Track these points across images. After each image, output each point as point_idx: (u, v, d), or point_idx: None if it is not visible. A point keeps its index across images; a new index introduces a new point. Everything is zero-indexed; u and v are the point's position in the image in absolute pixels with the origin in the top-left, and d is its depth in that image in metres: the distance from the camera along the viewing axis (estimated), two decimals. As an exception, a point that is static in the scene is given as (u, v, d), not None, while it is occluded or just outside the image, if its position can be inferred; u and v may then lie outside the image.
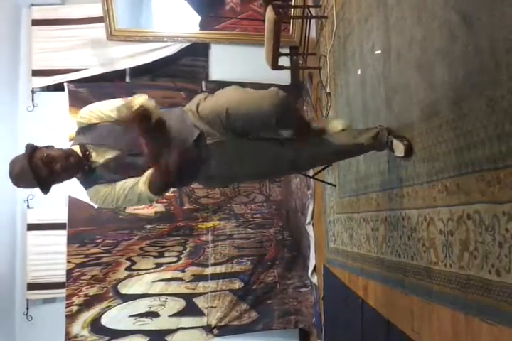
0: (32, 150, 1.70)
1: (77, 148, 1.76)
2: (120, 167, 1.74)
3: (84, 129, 1.79)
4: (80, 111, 1.81)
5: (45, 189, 1.72)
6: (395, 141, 1.85)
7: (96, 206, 1.81)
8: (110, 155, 1.74)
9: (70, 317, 3.90)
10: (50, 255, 4.11)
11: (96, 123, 1.76)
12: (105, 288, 3.99)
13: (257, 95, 1.78)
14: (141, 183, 1.70)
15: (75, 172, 1.75)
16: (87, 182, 1.78)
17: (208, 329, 3.97)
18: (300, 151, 1.87)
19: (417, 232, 1.71)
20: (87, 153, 1.74)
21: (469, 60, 1.35)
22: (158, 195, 1.74)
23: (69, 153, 1.73)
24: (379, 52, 2.15)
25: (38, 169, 1.67)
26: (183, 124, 1.79)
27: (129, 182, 1.72)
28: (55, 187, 1.76)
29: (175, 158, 1.60)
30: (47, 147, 1.74)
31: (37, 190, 1.72)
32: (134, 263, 4.07)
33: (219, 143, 1.78)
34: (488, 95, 1.24)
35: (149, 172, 1.69)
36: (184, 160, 1.64)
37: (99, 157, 1.75)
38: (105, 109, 1.76)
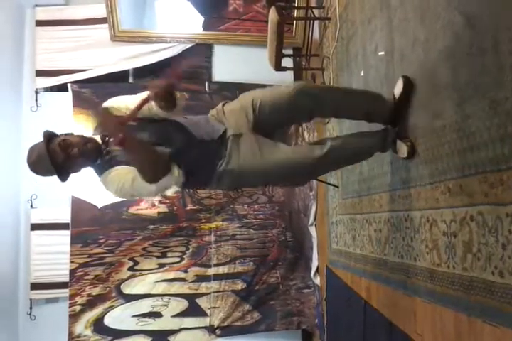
0: (50, 136, 1.71)
1: (97, 137, 1.77)
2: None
3: None
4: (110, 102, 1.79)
5: (63, 175, 1.72)
6: (399, 142, 1.84)
7: (113, 193, 1.78)
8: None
9: (73, 317, 3.91)
10: (53, 255, 4.12)
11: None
12: (108, 288, 4.00)
13: (282, 87, 1.86)
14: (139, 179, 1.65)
15: (93, 158, 1.74)
16: (103, 169, 1.76)
17: (211, 329, 3.98)
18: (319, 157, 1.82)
19: (419, 233, 1.71)
20: (107, 139, 1.74)
21: (472, 61, 1.35)
22: (154, 180, 1.66)
23: (87, 139, 1.73)
24: (382, 53, 2.15)
25: (55, 154, 1.67)
26: (208, 124, 1.83)
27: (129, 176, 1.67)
28: (68, 180, 1.75)
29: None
30: (66, 134, 1.75)
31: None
32: (136, 263, 4.08)
33: (240, 136, 1.79)
34: (491, 97, 1.24)
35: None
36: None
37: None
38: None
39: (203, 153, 1.76)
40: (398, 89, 1.82)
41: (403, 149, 1.81)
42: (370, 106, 1.91)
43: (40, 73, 4.27)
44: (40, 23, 4.32)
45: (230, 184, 1.83)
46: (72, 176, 1.82)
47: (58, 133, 1.76)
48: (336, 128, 3.06)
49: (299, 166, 1.81)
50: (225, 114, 1.87)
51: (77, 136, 1.75)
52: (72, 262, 3.98)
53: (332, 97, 1.90)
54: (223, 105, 1.91)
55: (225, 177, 1.79)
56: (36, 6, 4.34)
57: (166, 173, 1.66)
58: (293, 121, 2.03)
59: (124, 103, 1.75)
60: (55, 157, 1.68)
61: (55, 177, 1.75)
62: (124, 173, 1.68)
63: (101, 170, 1.76)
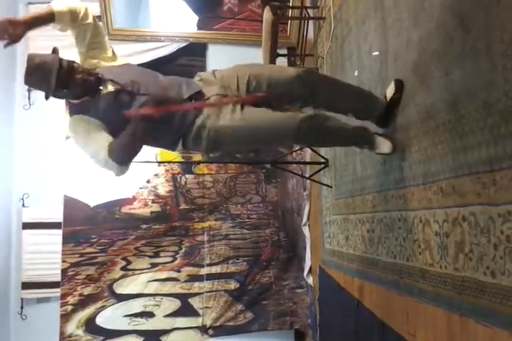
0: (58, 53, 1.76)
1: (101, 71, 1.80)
2: (116, 102, 1.75)
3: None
4: None
5: (52, 93, 1.73)
6: (379, 138, 1.86)
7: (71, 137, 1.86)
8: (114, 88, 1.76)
9: (65, 317, 3.89)
10: (45, 254, 4.10)
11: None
12: (100, 288, 3.98)
13: (283, 69, 1.90)
14: (104, 149, 1.68)
15: (87, 91, 1.77)
16: (79, 108, 1.79)
17: (203, 329, 3.97)
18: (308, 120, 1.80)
19: (412, 234, 1.71)
20: (100, 78, 1.77)
21: (466, 61, 1.35)
22: (122, 162, 1.70)
23: (91, 73, 1.77)
24: (376, 53, 2.15)
25: (61, 69, 1.71)
26: (184, 80, 1.85)
27: (101, 141, 1.70)
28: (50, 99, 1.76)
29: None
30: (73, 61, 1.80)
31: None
32: (129, 262, 4.06)
33: (219, 96, 1.79)
34: (484, 97, 1.24)
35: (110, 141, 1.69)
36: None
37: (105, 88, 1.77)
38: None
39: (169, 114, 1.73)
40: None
41: (386, 144, 1.82)
42: (362, 103, 1.94)
43: (32, 71, 4.24)
44: (33, 21, 4.29)
45: (207, 143, 1.80)
46: (55, 101, 1.89)
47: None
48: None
49: (282, 126, 1.79)
50: (216, 75, 1.87)
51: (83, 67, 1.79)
52: (64, 261, 3.96)
53: (329, 90, 1.90)
54: (214, 71, 1.92)
55: (203, 135, 1.77)
56: (29, 3, 4.32)
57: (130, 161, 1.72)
58: (285, 102, 2.01)
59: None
60: (61, 71, 1.71)
61: (41, 94, 1.78)
62: (102, 140, 1.71)
63: (78, 110, 1.79)
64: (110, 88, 1.77)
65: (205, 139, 1.78)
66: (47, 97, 1.76)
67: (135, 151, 1.72)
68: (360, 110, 1.94)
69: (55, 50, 1.81)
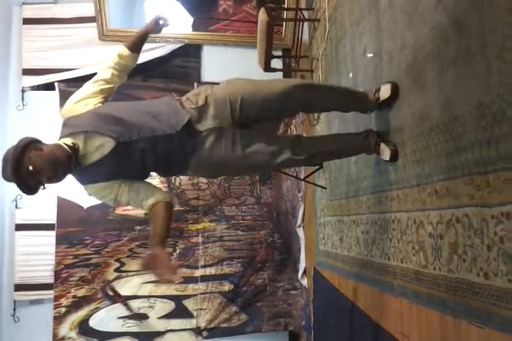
0: (18, 155, 1.61)
1: (66, 141, 1.70)
2: (114, 162, 1.70)
3: (68, 120, 1.77)
4: (61, 111, 1.83)
5: (31, 194, 1.70)
6: (383, 145, 1.87)
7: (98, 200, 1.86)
8: (99, 142, 1.68)
9: (58, 319, 3.86)
10: (38, 256, 4.06)
11: (76, 115, 1.76)
12: (94, 290, 3.95)
13: (276, 83, 1.87)
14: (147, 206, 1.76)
15: (64, 174, 1.71)
16: (84, 178, 1.78)
17: (197, 331, 3.95)
18: (297, 148, 1.85)
19: (406, 235, 1.72)
20: (75, 147, 1.68)
21: (460, 64, 1.36)
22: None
23: (56, 159, 1.63)
24: (371, 55, 2.16)
25: (24, 180, 1.62)
26: (172, 109, 1.78)
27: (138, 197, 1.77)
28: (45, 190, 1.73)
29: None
30: (35, 147, 1.65)
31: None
32: (123, 264, 4.04)
33: (215, 129, 1.77)
34: (478, 99, 1.25)
35: (159, 196, 1.75)
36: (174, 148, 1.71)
37: (89, 147, 1.69)
38: (86, 90, 1.81)
39: (167, 149, 1.73)
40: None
41: (386, 152, 1.84)
42: (353, 105, 2.02)
43: (26, 72, 4.22)
44: (27, 21, 4.27)
45: (208, 173, 1.90)
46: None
47: (29, 143, 1.65)
48: (325, 129, 3.07)
49: (279, 153, 1.81)
50: (208, 100, 1.80)
51: (47, 154, 1.63)
52: (57, 263, 3.93)
53: (321, 100, 1.92)
54: (211, 88, 1.85)
55: (200, 168, 1.82)
56: (24, 3, 4.30)
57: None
58: (280, 117, 2.03)
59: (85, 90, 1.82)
60: (24, 183, 1.63)
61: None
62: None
63: (82, 180, 1.79)
64: (95, 157, 1.70)
65: (205, 171, 1.85)
66: (30, 195, 1.70)
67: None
68: (351, 110, 2.07)
69: (16, 148, 1.64)
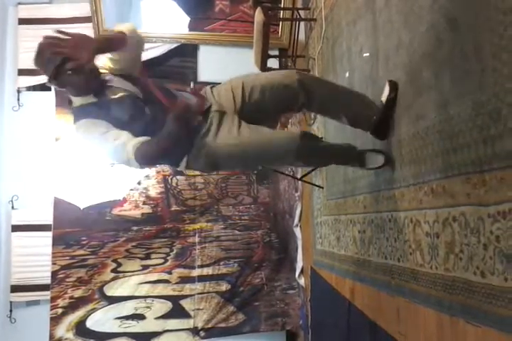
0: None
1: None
2: (133, 106, 1.70)
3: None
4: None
5: (56, 77, 1.66)
6: (372, 154, 1.88)
7: (81, 137, 1.75)
8: (125, 88, 1.73)
9: (55, 320, 3.85)
10: (34, 257, 4.05)
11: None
12: (91, 290, 3.94)
13: (277, 75, 1.87)
14: (130, 145, 1.63)
15: (92, 89, 1.72)
16: (85, 112, 1.71)
17: (195, 331, 3.95)
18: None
19: (403, 234, 1.72)
20: (105, 82, 1.72)
21: (456, 63, 1.36)
22: (143, 164, 1.68)
23: (98, 74, 1.71)
24: (367, 55, 2.16)
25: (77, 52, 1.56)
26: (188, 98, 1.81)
27: (123, 136, 1.65)
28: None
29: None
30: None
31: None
32: (120, 265, 4.03)
33: (223, 114, 1.79)
34: (474, 99, 1.25)
35: (141, 139, 1.64)
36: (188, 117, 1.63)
37: (118, 84, 1.73)
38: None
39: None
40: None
41: (379, 158, 1.84)
42: (358, 103, 1.91)
43: (22, 72, 4.20)
44: (23, 21, 4.25)
45: (206, 162, 1.78)
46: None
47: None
48: (322, 129, 3.07)
49: (282, 144, 1.78)
50: (213, 93, 1.86)
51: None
52: (54, 264, 3.92)
53: (324, 93, 1.88)
54: (211, 87, 1.90)
55: (202, 153, 1.76)
56: (19, 3, 4.28)
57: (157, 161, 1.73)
58: (280, 112, 2.01)
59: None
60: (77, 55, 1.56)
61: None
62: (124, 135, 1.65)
63: (85, 114, 1.70)
64: (120, 94, 1.72)
65: (203, 157, 1.77)
66: (50, 79, 1.69)
67: (161, 156, 1.69)
68: (355, 112, 1.90)
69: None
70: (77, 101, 1.77)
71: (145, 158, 1.64)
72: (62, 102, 4.02)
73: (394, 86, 1.79)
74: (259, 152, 1.78)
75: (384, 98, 1.82)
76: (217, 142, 1.76)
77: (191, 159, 1.79)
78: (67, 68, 1.65)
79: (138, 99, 1.74)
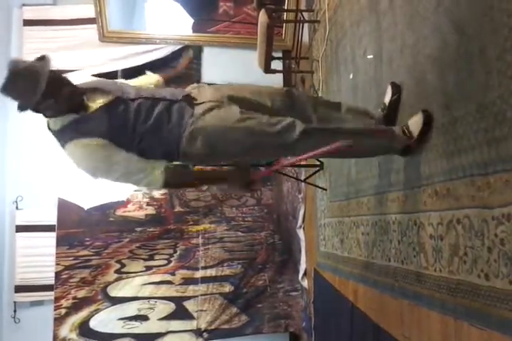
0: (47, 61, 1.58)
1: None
2: (114, 111, 1.64)
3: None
4: None
5: (36, 102, 1.58)
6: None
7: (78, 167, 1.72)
8: (102, 97, 1.66)
9: (58, 320, 3.86)
10: (38, 257, 4.06)
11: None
12: (94, 291, 3.95)
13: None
14: (158, 172, 1.62)
15: (70, 107, 1.65)
16: (72, 133, 1.64)
17: (198, 332, 3.95)
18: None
19: (407, 237, 1.72)
20: (83, 92, 1.66)
21: (460, 65, 1.36)
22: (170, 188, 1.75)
23: (77, 90, 1.65)
24: (371, 56, 2.16)
25: (52, 74, 1.55)
26: (174, 91, 1.86)
27: (141, 163, 1.63)
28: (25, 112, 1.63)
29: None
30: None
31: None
32: (123, 265, 4.04)
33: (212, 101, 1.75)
34: (479, 101, 1.25)
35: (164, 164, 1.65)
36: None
37: (94, 97, 1.66)
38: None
39: (164, 114, 1.68)
40: (388, 96, 1.82)
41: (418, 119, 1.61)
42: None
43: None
44: (27, 23, 4.27)
45: (203, 146, 1.67)
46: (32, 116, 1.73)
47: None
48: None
49: (271, 137, 1.66)
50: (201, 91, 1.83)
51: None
52: (57, 264, 3.93)
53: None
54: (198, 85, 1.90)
55: (197, 137, 1.67)
56: (24, 5, 4.30)
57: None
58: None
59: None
60: (51, 75, 1.54)
61: (16, 104, 1.63)
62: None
63: (74, 134, 1.64)
64: (101, 100, 1.65)
65: (200, 141, 1.67)
66: (24, 108, 1.60)
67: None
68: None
69: (42, 58, 1.61)
70: (55, 123, 1.71)
71: (172, 186, 1.78)
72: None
73: (396, 88, 1.78)
74: (252, 138, 1.69)
75: (387, 100, 1.82)
76: (211, 128, 1.67)
77: (185, 146, 1.69)
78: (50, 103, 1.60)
79: (112, 104, 1.66)
